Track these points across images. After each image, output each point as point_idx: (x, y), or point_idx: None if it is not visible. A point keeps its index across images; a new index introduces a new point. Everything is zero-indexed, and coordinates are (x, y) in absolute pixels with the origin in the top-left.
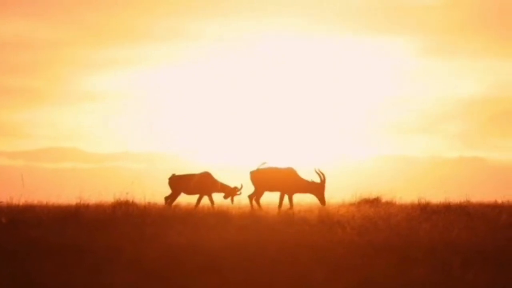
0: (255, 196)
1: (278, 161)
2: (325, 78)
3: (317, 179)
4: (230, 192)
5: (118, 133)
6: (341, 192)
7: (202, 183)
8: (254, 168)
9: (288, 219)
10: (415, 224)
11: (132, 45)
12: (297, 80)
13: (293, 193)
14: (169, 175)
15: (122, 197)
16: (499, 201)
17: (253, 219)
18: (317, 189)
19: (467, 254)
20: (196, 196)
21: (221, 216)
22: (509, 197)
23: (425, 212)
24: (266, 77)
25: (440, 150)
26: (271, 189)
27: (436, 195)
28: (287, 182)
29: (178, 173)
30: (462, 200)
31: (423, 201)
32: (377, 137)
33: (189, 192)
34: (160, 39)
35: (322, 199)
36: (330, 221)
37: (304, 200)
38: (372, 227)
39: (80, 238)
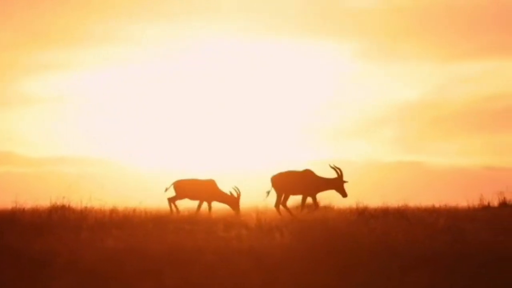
0: (278, 201)
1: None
2: (262, 82)
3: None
4: (233, 201)
5: (55, 137)
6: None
7: (207, 190)
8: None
9: (226, 223)
10: (353, 229)
11: (69, 49)
12: (235, 83)
13: (315, 194)
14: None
15: (59, 201)
16: (437, 205)
17: (191, 223)
18: (337, 184)
19: (406, 258)
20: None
21: (158, 220)
22: (447, 202)
23: (364, 217)
24: (204, 81)
25: (378, 155)
26: (293, 192)
27: (374, 200)
28: (307, 183)
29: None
30: (400, 205)
31: (361, 205)
32: (315, 142)
33: (192, 197)
34: (97, 42)
35: (343, 192)
36: (268, 225)
37: (243, 205)
38: (310, 231)
39: (16, 242)
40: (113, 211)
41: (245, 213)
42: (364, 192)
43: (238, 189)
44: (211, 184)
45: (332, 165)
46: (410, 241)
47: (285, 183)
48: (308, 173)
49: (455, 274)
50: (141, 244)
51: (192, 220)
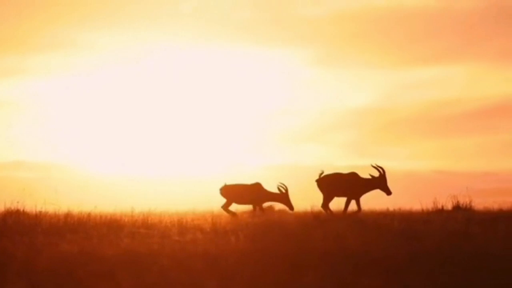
0: (324, 203)
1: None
2: (217, 88)
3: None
4: (283, 197)
5: (9, 142)
6: None
7: (254, 194)
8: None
9: (181, 227)
10: (308, 232)
11: (23, 55)
12: (189, 90)
13: (360, 196)
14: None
15: (13, 206)
16: (391, 208)
17: (146, 227)
18: (380, 182)
19: (359, 261)
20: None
21: (113, 224)
22: (401, 205)
23: (318, 220)
24: (159, 87)
25: (332, 159)
26: (338, 194)
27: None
28: (352, 185)
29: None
30: (354, 208)
31: (316, 208)
32: (269, 146)
33: (240, 202)
34: (50, 49)
35: (387, 191)
36: (223, 229)
37: (198, 208)
38: (265, 234)
39: None
40: (68, 215)
41: (200, 216)
42: (319, 196)
43: (284, 185)
44: (257, 187)
45: (374, 165)
46: (364, 244)
47: (331, 185)
48: (353, 176)
49: (408, 276)
50: (96, 248)
51: (147, 224)
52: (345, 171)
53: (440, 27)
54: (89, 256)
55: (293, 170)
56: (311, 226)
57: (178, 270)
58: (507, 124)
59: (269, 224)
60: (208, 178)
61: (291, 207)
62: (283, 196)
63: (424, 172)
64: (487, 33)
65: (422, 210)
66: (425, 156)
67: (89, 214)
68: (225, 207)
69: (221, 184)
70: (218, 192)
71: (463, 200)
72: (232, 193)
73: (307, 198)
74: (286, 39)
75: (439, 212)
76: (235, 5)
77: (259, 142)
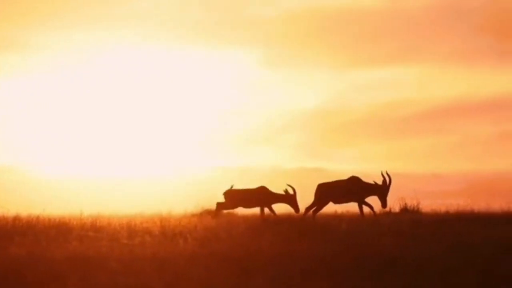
0: (315, 208)
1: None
2: (168, 89)
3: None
4: (291, 198)
5: None
6: (183, 203)
7: (259, 197)
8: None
9: (130, 231)
10: (256, 235)
11: None
12: (141, 91)
13: (362, 200)
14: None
15: None
16: (339, 211)
17: (95, 230)
18: (381, 191)
19: (308, 263)
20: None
21: (62, 227)
22: (349, 207)
23: (266, 223)
24: (110, 89)
25: (281, 161)
26: (337, 201)
27: (278, 206)
28: (352, 191)
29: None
30: (303, 210)
31: (264, 211)
32: (218, 148)
33: (246, 205)
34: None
35: (384, 202)
36: (172, 232)
37: (147, 211)
38: (214, 237)
39: None
40: (16, 218)
41: (149, 219)
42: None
43: (291, 186)
44: (263, 190)
45: (383, 173)
46: (312, 247)
47: (330, 191)
48: (354, 180)
49: (356, 278)
50: (44, 251)
51: (96, 227)
52: (344, 177)
53: (391, 27)
54: (38, 259)
55: (243, 172)
56: (260, 230)
57: (126, 273)
58: (457, 126)
59: (218, 227)
60: (158, 180)
61: (297, 209)
62: (290, 198)
63: (373, 174)
64: (438, 34)
65: (370, 212)
66: (375, 158)
67: (37, 217)
68: (219, 209)
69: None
70: (170, 194)
71: (411, 203)
72: (236, 197)
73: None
74: (237, 40)
75: (387, 214)
76: (185, 6)
77: (210, 144)
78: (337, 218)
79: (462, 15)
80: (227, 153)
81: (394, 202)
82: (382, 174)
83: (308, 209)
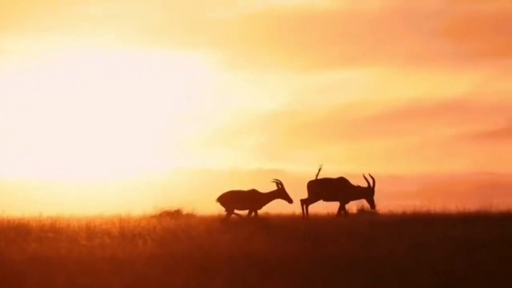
0: (308, 203)
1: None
2: (127, 91)
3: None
4: (280, 192)
5: None
6: (142, 205)
7: (252, 199)
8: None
9: (89, 232)
10: (215, 236)
11: None
12: (99, 93)
13: (347, 201)
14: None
15: None
16: (297, 212)
17: (54, 231)
18: (367, 193)
19: (266, 264)
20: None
21: (21, 229)
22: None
23: (226, 224)
24: (68, 92)
25: (240, 163)
26: (325, 198)
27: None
28: (340, 191)
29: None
30: (262, 212)
31: (223, 213)
32: (177, 150)
33: (240, 208)
34: None
35: (372, 203)
36: (131, 233)
37: (106, 213)
38: (173, 239)
39: None
40: None
41: (108, 221)
42: None
43: (277, 180)
44: (254, 193)
45: (366, 176)
46: (270, 248)
47: (319, 189)
48: (342, 181)
49: (314, 278)
50: (3, 252)
51: (55, 229)
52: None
53: (350, 30)
54: None
55: (203, 174)
56: (219, 231)
57: (85, 274)
58: (414, 128)
59: (177, 229)
60: (118, 182)
61: (289, 200)
62: (280, 192)
63: (331, 176)
64: (397, 36)
65: (328, 213)
66: (334, 160)
67: None
68: (227, 215)
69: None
70: (130, 195)
71: (368, 204)
72: (231, 200)
73: (215, 203)
74: (196, 42)
75: (345, 215)
76: (144, 8)
77: (169, 146)
78: (295, 219)
79: (420, 18)
80: (187, 154)
81: (351, 204)
82: (365, 177)
83: (306, 205)
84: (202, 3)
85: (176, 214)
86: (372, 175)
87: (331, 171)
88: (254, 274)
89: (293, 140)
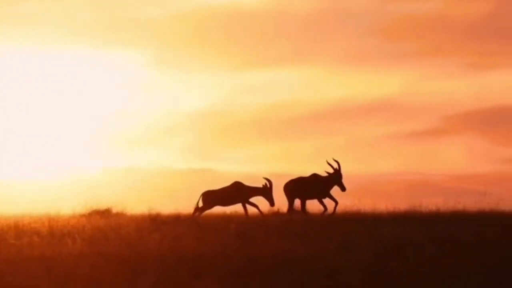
0: (290, 207)
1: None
2: (55, 91)
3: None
4: (266, 191)
5: None
6: (71, 203)
7: (236, 193)
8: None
9: (18, 231)
10: (145, 235)
11: None
12: (27, 93)
13: (325, 196)
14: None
15: None
16: (228, 211)
17: None
18: (336, 178)
19: (196, 263)
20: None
21: None
22: (238, 208)
23: (156, 223)
24: None
25: (170, 162)
26: (303, 197)
27: (166, 206)
28: (316, 187)
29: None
30: (191, 211)
31: (153, 212)
32: (106, 149)
33: (225, 204)
34: None
35: (342, 186)
36: (60, 232)
37: (34, 212)
38: (102, 237)
39: None
40: None
41: (37, 219)
42: (157, 199)
43: (268, 179)
44: (237, 186)
45: (328, 161)
46: (200, 247)
47: (295, 189)
48: (316, 178)
49: (244, 278)
50: None
51: None
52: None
53: (280, 29)
54: None
55: (131, 173)
56: (148, 230)
57: (14, 273)
58: (344, 127)
59: (106, 227)
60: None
61: (272, 202)
62: (265, 190)
63: (260, 175)
64: (327, 35)
65: (260, 213)
66: (264, 159)
67: None
68: (199, 212)
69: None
70: (59, 194)
71: (298, 203)
72: (213, 198)
73: (145, 201)
74: (124, 41)
75: (276, 215)
76: (73, 7)
77: (99, 145)
78: (226, 218)
79: (350, 17)
80: (116, 153)
81: (282, 203)
82: (329, 163)
83: (289, 211)
84: (131, 2)
85: (105, 213)
86: (335, 159)
87: (261, 172)
88: (184, 273)
89: (222, 139)
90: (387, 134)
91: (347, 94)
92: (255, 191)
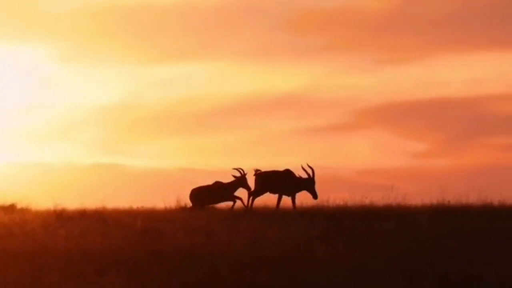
0: (253, 196)
1: None
2: None
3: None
4: (242, 180)
5: None
6: None
7: (218, 191)
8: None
9: None
10: (51, 231)
11: None
12: None
13: (293, 193)
14: None
15: None
16: (135, 207)
17: None
18: (310, 184)
19: (102, 259)
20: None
21: None
22: (144, 203)
23: (61, 219)
24: None
25: (76, 157)
26: (272, 191)
27: (72, 202)
28: (286, 183)
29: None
30: (98, 206)
31: (59, 207)
32: (10, 144)
33: (210, 202)
34: None
35: (314, 194)
36: None
37: None
38: (6, 234)
39: None
40: None
41: None
42: (62, 194)
43: (239, 168)
44: (217, 185)
45: (304, 166)
46: (106, 243)
47: (267, 181)
48: (288, 173)
49: (150, 274)
50: None
51: None
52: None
53: (186, 23)
54: None
55: (37, 168)
56: (54, 225)
57: None
58: (253, 122)
59: (11, 223)
60: None
61: (248, 188)
62: (241, 180)
63: (168, 170)
64: (235, 30)
65: (165, 208)
66: (170, 154)
67: None
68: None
69: None
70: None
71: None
72: (200, 196)
73: (50, 197)
74: (29, 34)
75: (182, 210)
76: None
77: (2, 140)
78: (132, 214)
79: (259, 11)
80: (21, 148)
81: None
82: (303, 168)
83: (253, 198)
84: None
85: (10, 208)
86: (310, 166)
87: (166, 166)
88: (91, 269)
89: (130, 134)
90: (296, 129)
91: (256, 89)
92: (235, 185)
